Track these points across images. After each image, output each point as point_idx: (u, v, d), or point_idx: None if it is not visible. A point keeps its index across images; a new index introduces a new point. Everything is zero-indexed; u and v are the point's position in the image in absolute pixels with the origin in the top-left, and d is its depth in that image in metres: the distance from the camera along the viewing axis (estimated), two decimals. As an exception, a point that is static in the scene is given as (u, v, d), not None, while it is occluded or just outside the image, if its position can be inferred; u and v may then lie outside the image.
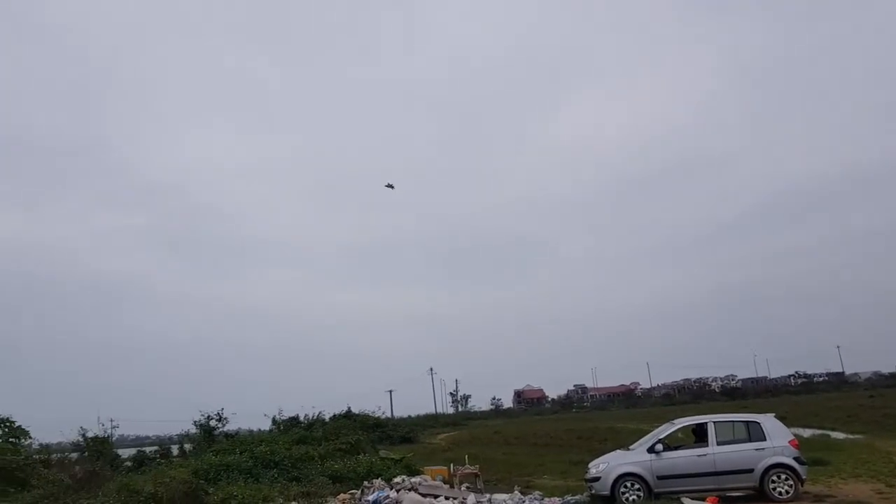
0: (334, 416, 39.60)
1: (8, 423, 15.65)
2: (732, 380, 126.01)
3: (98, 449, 29.50)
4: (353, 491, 16.18)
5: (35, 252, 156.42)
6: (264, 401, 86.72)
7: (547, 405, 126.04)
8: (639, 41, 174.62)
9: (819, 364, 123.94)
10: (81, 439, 30.59)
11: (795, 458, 13.32)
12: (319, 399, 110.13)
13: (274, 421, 36.44)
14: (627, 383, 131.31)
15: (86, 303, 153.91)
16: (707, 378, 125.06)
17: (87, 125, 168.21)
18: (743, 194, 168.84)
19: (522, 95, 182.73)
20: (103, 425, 32.01)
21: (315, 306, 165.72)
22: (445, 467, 18.71)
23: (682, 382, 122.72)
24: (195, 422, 32.94)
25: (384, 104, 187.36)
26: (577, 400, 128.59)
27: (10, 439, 15.70)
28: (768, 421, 14.01)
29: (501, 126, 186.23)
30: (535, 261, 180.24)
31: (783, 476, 13.07)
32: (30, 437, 17.09)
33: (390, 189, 37.25)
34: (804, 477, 13.36)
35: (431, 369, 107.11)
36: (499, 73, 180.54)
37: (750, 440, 13.59)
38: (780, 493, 12.96)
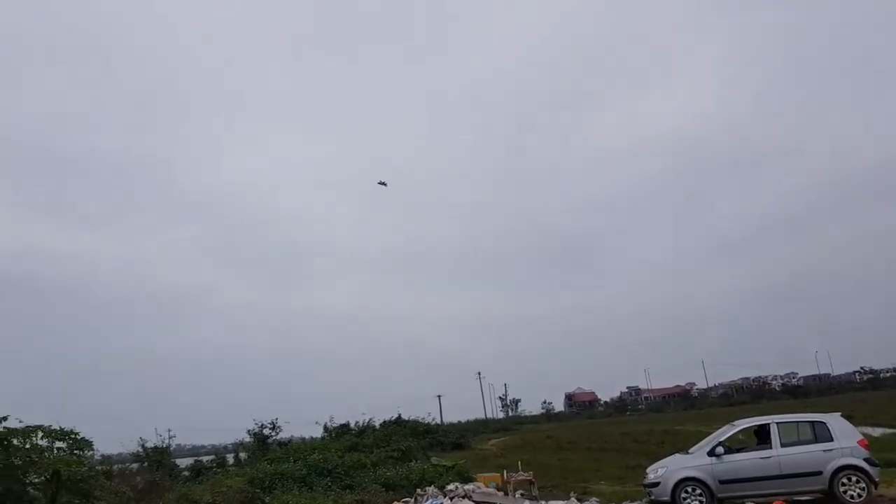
0: (384, 422, 39.74)
1: (72, 435, 15.97)
2: (794, 378, 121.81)
3: (157, 459, 30.29)
4: (406, 499, 16.13)
5: (87, 265, 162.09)
6: (314, 407, 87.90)
7: (600, 408, 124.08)
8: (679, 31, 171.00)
9: (885, 359, 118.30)
10: (141, 450, 31.47)
11: (866, 459, 12.69)
12: (368, 405, 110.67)
13: (325, 428, 36.90)
14: (683, 384, 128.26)
15: (139, 314, 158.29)
16: (767, 376, 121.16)
17: (143, 142, 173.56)
18: (801, 184, 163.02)
19: (566, 92, 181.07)
20: (161, 436, 32.83)
21: (361, 312, 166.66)
22: (498, 474, 18.48)
23: (740, 381, 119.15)
24: (249, 431, 33.56)
25: (425, 108, 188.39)
26: (630, 402, 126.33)
27: (75, 451, 16.05)
28: (835, 420, 13.40)
29: (547, 123, 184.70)
30: (583, 261, 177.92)
31: (854, 478, 12.45)
32: (92, 449, 17.49)
33: (383, 186, 37.55)
34: (877, 479, 12.71)
35: (479, 373, 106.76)
36: (544, 68, 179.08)
37: (816, 441, 13.01)
38: (853, 497, 12.34)
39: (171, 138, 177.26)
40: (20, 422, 13.93)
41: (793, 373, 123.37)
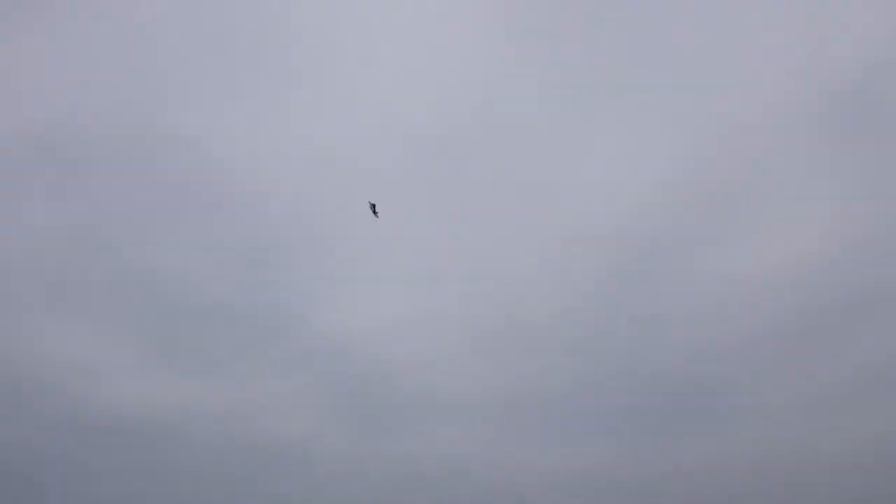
0: None
1: None
2: None
3: None
4: None
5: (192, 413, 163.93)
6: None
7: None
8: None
9: None
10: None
11: None
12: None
13: None
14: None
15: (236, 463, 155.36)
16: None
17: (254, 294, 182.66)
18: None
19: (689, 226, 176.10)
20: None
21: (466, 462, 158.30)
22: None
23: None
24: None
25: (541, 248, 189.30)
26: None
27: None
28: None
29: (675, 261, 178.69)
30: (725, 409, 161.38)
31: None
32: None
33: (374, 215, 36.89)
34: None
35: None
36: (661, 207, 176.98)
37: None
38: None
39: (277, 292, 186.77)
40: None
41: None
